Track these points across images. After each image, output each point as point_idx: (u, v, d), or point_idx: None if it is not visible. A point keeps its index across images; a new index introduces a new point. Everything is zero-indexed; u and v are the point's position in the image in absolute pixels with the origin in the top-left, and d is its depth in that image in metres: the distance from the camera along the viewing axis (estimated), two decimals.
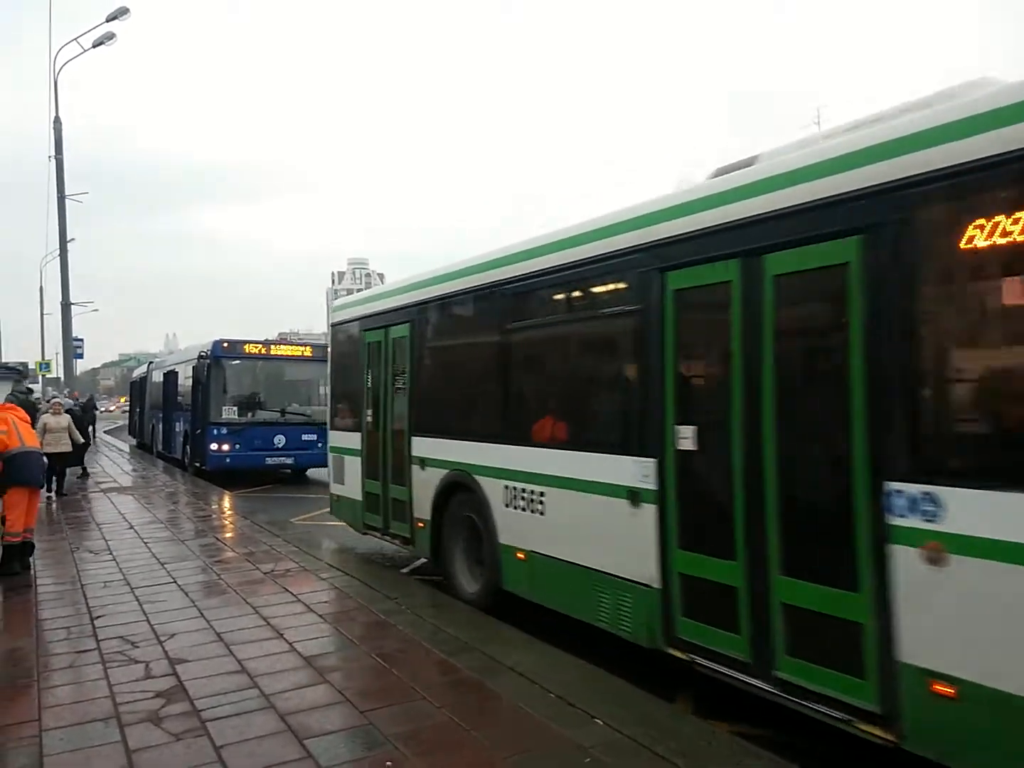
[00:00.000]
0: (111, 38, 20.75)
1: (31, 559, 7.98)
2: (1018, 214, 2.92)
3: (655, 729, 3.95)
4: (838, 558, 3.59)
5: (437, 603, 6.38)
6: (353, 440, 8.70)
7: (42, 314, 42.71)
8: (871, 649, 3.48)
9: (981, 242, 3.02)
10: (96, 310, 42.97)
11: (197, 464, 16.70)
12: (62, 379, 26.01)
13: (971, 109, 3.10)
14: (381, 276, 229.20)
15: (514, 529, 5.96)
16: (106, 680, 4.73)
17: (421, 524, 7.33)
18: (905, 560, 3.32)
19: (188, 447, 17.73)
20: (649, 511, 4.66)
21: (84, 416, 21.97)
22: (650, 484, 4.65)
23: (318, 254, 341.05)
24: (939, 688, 3.19)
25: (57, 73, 21.17)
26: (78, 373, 29.91)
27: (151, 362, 26.91)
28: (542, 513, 5.61)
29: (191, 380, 17.45)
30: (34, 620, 6.06)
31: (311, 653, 5.14)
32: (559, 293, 5.65)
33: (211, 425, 15.93)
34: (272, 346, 17.22)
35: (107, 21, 20.72)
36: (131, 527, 10.27)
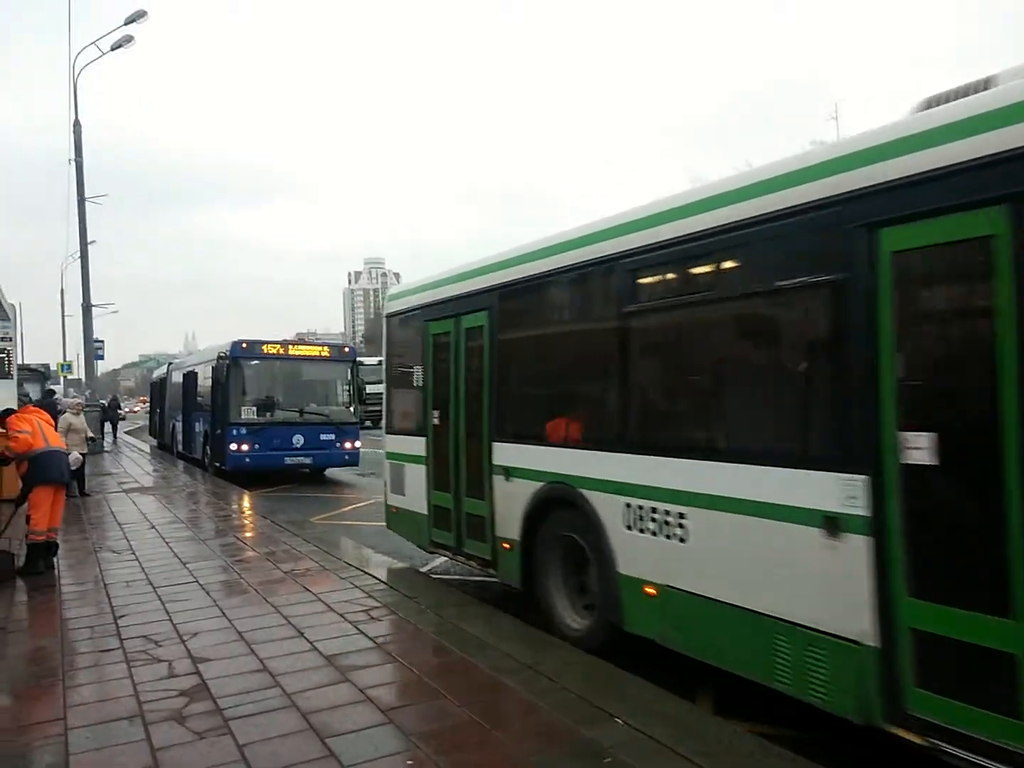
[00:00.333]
0: (129, 41, 20.99)
1: (55, 559, 8.11)
2: None
3: (676, 728, 3.95)
4: None
5: (457, 602, 6.41)
6: (415, 445, 7.73)
7: (63, 316, 43.30)
8: None
9: None
10: (116, 311, 43.45)
11: (217, 464, 16.87)
12: (83, 380, 26.37)
13: None
14: (397, 275, 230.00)
15: (641, 557, 4.92)
16: (130, 679, 4.80)
17: (507, 545, 6.35)
18: None
19: (208, 447, 17.92)
20: (857, 544, 3.64)
21: (107, 415, 22.18)
22: (858, 509, 3.64)
23: (334, 255, 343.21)
24: None
25: (76, 76, 21.45)
26: (99, 374, 30.21)
27: (170, 363, 27.19)
28: (682, 540, 4.59)
29: (210, 380, 17.62)
30: (58, 619, 6.16)
31: (332, 652, 5.18)
32: (713, 263, 4.56)
33: (230, 425, 16.09)
34: (290, 346, 17.37)
35: (125, 24, 20.98)
36: (153, 527, 10.40)
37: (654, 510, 4.80)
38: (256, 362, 16.88)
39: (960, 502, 3.42)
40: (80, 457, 10.85)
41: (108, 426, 33.83)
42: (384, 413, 8.61)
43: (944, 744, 3.37)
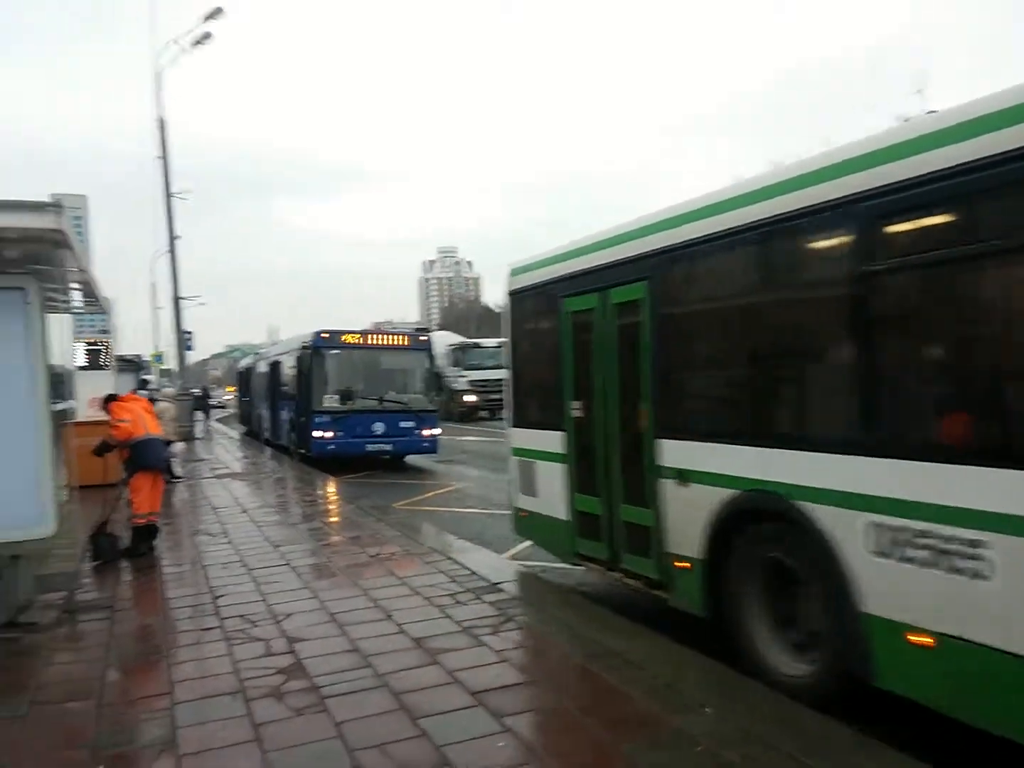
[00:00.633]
0: (207, 37, 21.69)
1: (156, 541, 8.52)
2: None
3: (766, 719, 3.90)
4: None
5: (541, 588, 6.44)
6: (551, 441, 6.71)
7: (154, 308, 45.22)
8: None
9: None
10: (204, 303, 44.91)
11: (302, 451, 17.38)
12: (174, 370, 27.49)
13: None
14: (470, 263, 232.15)
15: (903, 595, 3.81)
16: (229, 657, 5.01)
17: (684, 564, 5.24)
18: None
19: (293, 434, 18.46)
20: None
21: (198, 404, 22.92)
22: None
23: (409, 243, 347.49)
24: None
25: (159, 74, 22.26)
26: (190, 363, 31.56)
27: (257, 353, 28.21)
28: (980, 576, 3.47)
29: (294, 370, 18.15)
30: (161, 599, 6.47)
31: (419, 635, 5.29)
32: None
33: (314, 413, 16.53)
34: (370, 335, 17.73)
35: (204, 21, 21.67)
36: (244, 511, 10.80)
37: (926, 534, 3.67)
38: (337, 351, 17.27)
39: None
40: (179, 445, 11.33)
41: (199, 414, 35.36)
42: (508, 404, 7.56)
43: None
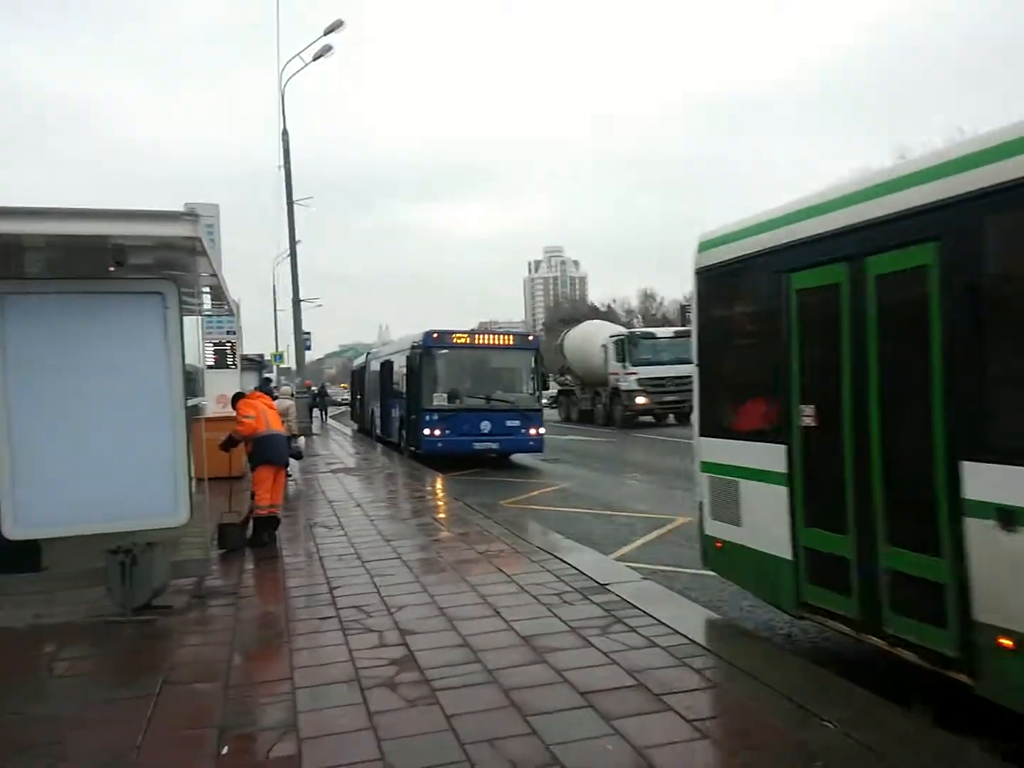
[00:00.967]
0: (329, 50, 22.50)
1: (278, 533, 8.90)
2: None
3: (891, 736, 3.69)
4: None
5: (650, 591, 6.34)
6: (764, 455, 5.32)
7: (275, 309, 47.26)
8: None
9: None
10: (320, 305, 46.64)
11: (412, 448, 17.79)
12: (293, 369, 28.70)
13: None
14: (576, 263, 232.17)
15: None
16: (345, 646, 5.17)
17: (1009, 642, 3.74)
18: None
19: (403, 432, 18.93)
20: None
21: (317, 402, 23.67)
22: None
23: (513, 245, 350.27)
24: None
25: (283, 87, 23.28)
26: (307, 362, 32.93)
27: (369, 352, 29.01)
28: None
29: (405, 369, 18.61)
30: (282, 588, 6.75)
31: (528, 633, 5.30)
32: None
33: (424, 411, 16.88)
34: (478, 335, 18.02)
35: (324, 35, 22.49)
36: (358, 505, 11.14)
37: None
38: (446, 351, 17.58)
39: None
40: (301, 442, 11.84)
41: (316, 411, 36.77)
42: (697, 406, 6.26)
43: None
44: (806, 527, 5.03)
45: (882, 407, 4.49)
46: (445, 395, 17.07)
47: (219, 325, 15.90)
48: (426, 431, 16.80)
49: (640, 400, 26.08)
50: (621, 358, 26.64)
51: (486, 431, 16.92)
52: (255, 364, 24.47)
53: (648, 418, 27.45)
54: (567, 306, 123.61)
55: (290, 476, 14.45)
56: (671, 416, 27.62)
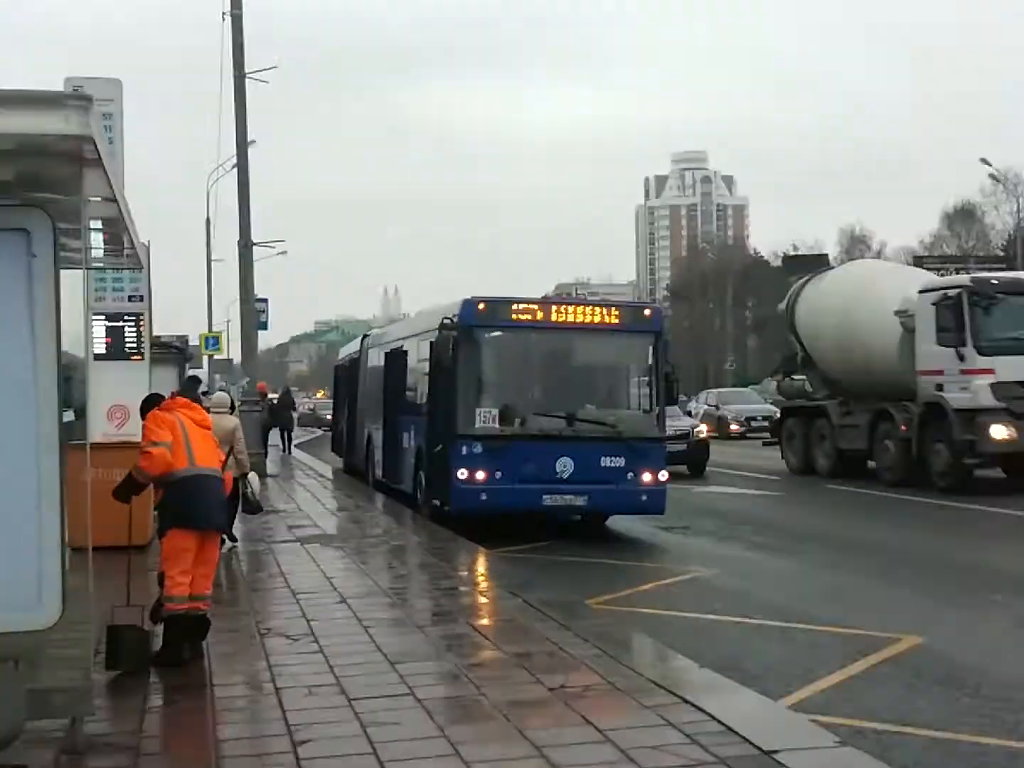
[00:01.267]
0: None
1: (205, 643, 9.02)
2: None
3: None
4: None
5: None
6: None
7: (209, 260, 48.02)
8: None
9: None
10: (284, 252, 46.79)
11: (436, 501, 17.90)
12: (237, 362, 29.21)
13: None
14: (728, 180, 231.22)
15: None
16: None
17: None
18: None
19: (422, 473, 19.06)
20: None
21: (275, 419, 24.10)
22: None
23: (614, 156, 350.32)
24: None
25: None
26: (259, 351, 33.34)
27: (366, 336, 29.26)
28: None
29: (427, 365, 18.77)
30: (212, 741, 6.81)
31: None
32: None
33: (458, 439, 16.92)
34: (554, 307, 17.96)
35: None
36: (342, 600, 11.24)
37: None
38: (500, 334, 17.74)
39: None
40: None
41: (275, 434, 37.12)
42: None
43: None
44: None
45: None
46: (495, 411, 17.12)
47: (117, 287, 16.19)
48: (461, 473, 16.87)
49: (1001, 431, 21.38)
50: (955, 338, 22.06)
51: (565, 475, 16.90)
52: (174, 353, 24.86)
53: (991, 470, 23.53)
54: (712, 256, 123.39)
55: (234, 546, 14.69)
56: None
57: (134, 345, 16.19)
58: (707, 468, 29.59)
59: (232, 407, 16.39)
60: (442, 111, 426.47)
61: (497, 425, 17.04)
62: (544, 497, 16.92)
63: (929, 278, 26.37)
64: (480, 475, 16.83)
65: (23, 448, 5.98)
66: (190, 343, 34.59)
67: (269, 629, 9.92)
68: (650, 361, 17.83)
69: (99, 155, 5.74)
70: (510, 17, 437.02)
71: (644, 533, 18.03)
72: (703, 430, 30.79)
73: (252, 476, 14.51)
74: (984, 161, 62.89)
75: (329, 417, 45.16)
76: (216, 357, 42.49)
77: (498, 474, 16.82)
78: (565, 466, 16.90)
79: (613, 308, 18.55)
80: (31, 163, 5.98)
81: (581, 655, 8.81)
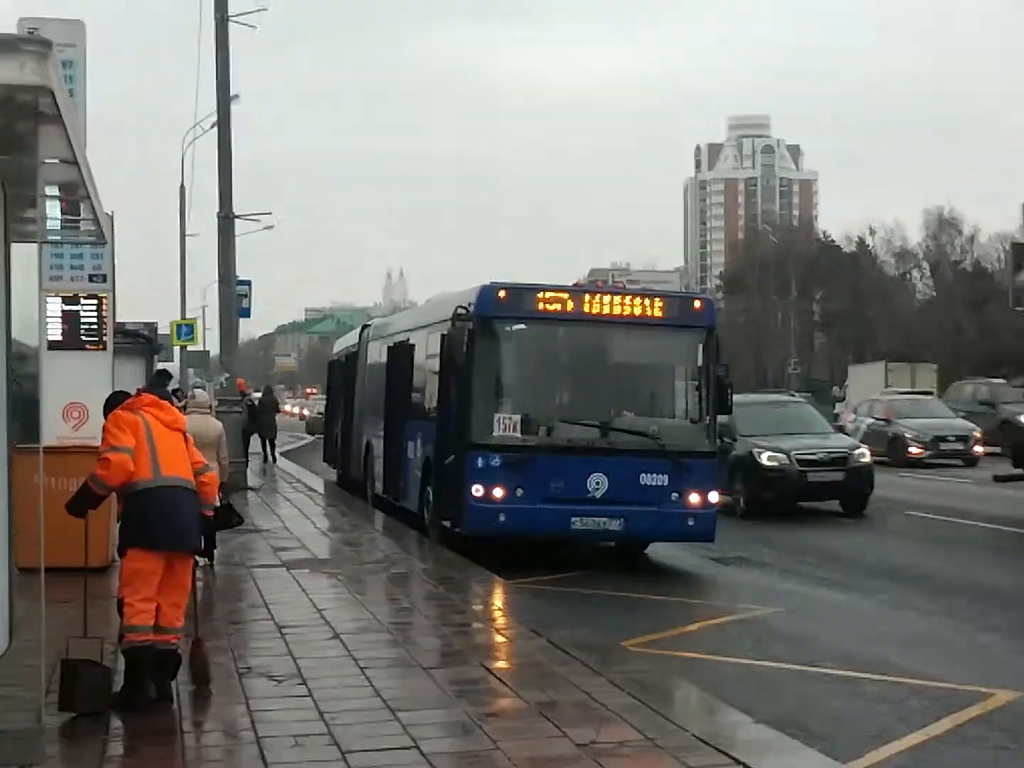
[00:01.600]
0: None
1: (174, 683, 9.03)
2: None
3: None
4: None
5: None
6: None
7: (183, 235, 48.05)
8: None
9: None
10: (271, 227, 46.46)
11: (446, 523, 17.90)
12: (215, 355, 29.24)
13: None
14: (794, 150, 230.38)
15: None
16: None
17: None
18: None
19: (430, 488, 19.08)
20: None
21: (256, 423, 23.96)
22: None
23: (661, 114, 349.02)
24: None
25: None
26: (241, 343, 33.35)
27: (366, 326, 29.39)
28: None
29: (437, 362, 18.77)
30: None
31: None
32: None
33: (474, 450, 16.95)
34: (588, 298, 17.89)
35: None
36: (335, 636, 11.22)
37: None
38: (523, 326, 17.76)
39: None
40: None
41: (256, 440, 37.02)
42: None
43: None
44: None
45: None
46: (517, 417, 17.12)
47: (76, 264, 16.20)
48: (476, 489, 16.88)
49: None
50: None
51: (599, 494, 16.92)
52: (141, 343, 24.93)
53: None
54: (773, 240, 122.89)
55: (211, 565, 14.69)
56: None
57: (94, 332, 16.10)
58: (869, 503, 25.65)
59: (210, 408, 16.43)
60: (462, 63, 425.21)
61: (519, 434, 17.06)
62: (573, 520, 16.92)
63: None
64: (498, 492, 16.87)
65: None
66: (159, 332, 34.47)
67: (249, 668, 9.89)
68: (700, 361, 17.85)
69: (59, 110, 5.72)
70: None
71: (690, 564, 18.04)
72: (865, 453, 26.85)
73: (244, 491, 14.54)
74: None
75: (305, 414, 45.39)
76: (190, 348, 42.53)
77: (519, 492, 16.87)
78: (598, 484, 16.92)
79: (657, 298, 18.41)
80: None
81: (615, 705, 8.77)
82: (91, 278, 16.24)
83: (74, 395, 14.71)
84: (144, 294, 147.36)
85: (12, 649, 6.23)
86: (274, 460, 38.35)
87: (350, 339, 31.63)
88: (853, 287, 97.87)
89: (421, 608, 13.29)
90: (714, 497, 17.32)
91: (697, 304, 18.60)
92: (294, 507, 24.52)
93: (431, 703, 8.88)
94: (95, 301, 16.13)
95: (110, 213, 12.64)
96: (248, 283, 31.21)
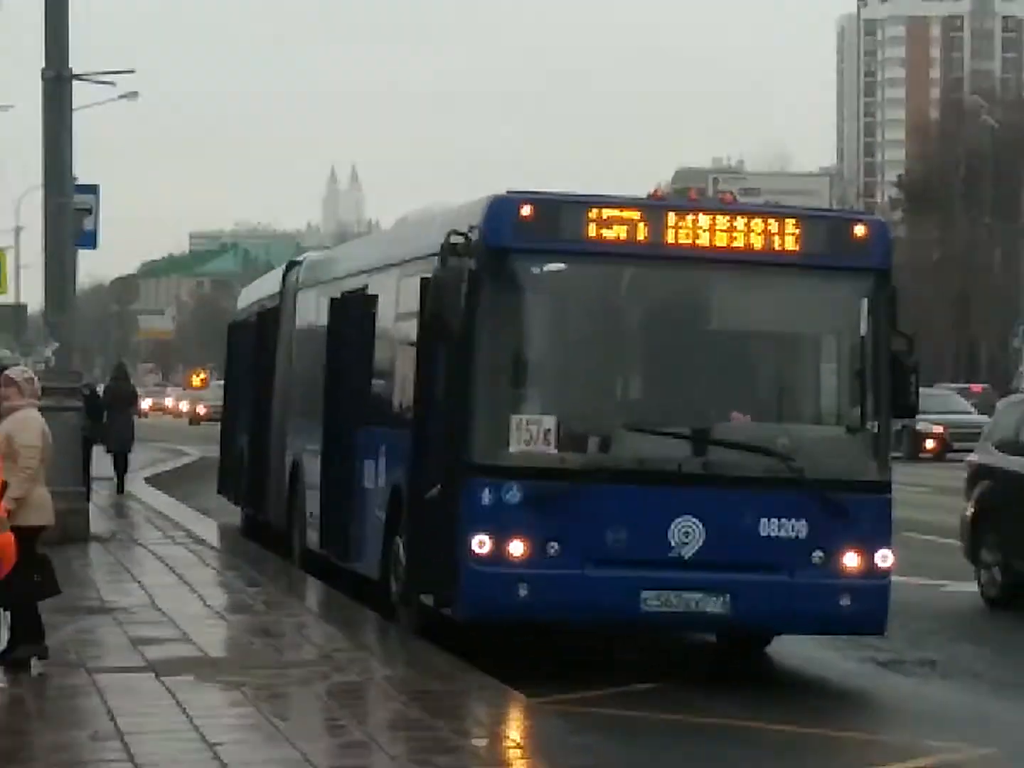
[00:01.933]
0: None
1: None
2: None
3: None
4: None
5: None
6: None
7: None
8: None
9: None
10: (133, 95, 47.25)
11: (427, 598, 18.03)
12: (36, 310, 29.05)
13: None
14: None
15: None
16: None
17: None
18: None
19: (400, 542, 19.21)
20: None
21: (99, 427, 24.05)
22: None
23: None
24: None
25: None
26: (81, 291, 33.40)
27: (293, 263, 29.88)
28: None
29: (414, 327, 18.89)
30: None
31: None
32: None
33: (477, 475, 17.03)
34: (673, 216, 17.84)
35: None
36: None
37: None
38: (564, 267, 18.01)
39: None
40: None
41: (108, 460, 37.21)
42: None
43: None
44: None
45: None
46: (549, 421, 17.14)
47: None
48: (480, 542, 16.95)
49: None
50: None
51: (689, 552, 17.01)
52: None
53: None
54: (990, 121, 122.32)
55: (21, 666, 14.74)
56: None
57: None
58: None
59: (38, 397, 16.57)
60: None
61: (553, 449, 17.11)
62: (645, 596, 17.01)
63: None
64: (517, 548, 16.93)
65: None
66: None
67: None
68: (863, 329, 17.94)
69: None
70: None
71: (842, 672, 18.18)
72: None
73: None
74: None
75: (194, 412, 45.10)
76: None
77: (553, 548, 16.91)
78: (688, 535, 16.98)
79: (790, 221, 18.39)
80: None
81: None
82: None
83: None
84: None
85: None
86: (120, 489, 38.51)
87: (266, 286, 31.98)
88: None
89: (384, 744, 13.05)
90: (885, 559, 17.32)
91: (859, 231, 18.40)
92: (169, 571, 24.62)
93: None
94: None
95: None
96: (94, 190, 31.29)
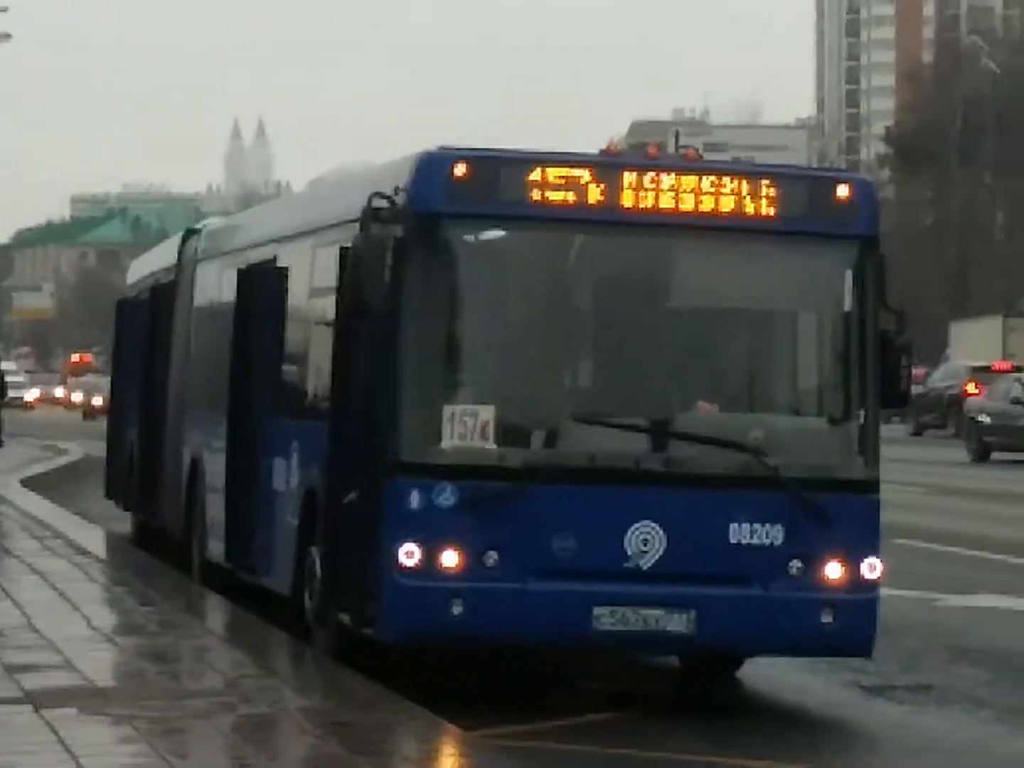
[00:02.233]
0: None
1: None
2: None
3: None
4: None
5: None
6: None
7: None
8: None
9: None
10: (6, 37, 47.91)
11: (345, 616, 18.04)
12: None
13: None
14: None
15: None
16: None
17: None
18: None
19: (315, 553, 19.23)
20: None
21: None
22: None
23: None
24: None
25: None
26: None
27: (191, 231, 29.74)
28: None
29: (332, 302, 18.83)
30: None
31: None
32: None
33: (404, 475, 17.06)
34: (629, 176, 17.86)
35: None
36: None
37: None
38: (504, 233, 18.02)
39: None
40: None
41: None
42: None
43: None
44: None
45: None
46: (487, 412, 17.16)
47: None
48: (407, 552, 16.96)
49: None
50: None
51: (647, 561, 17.04)
52: None
53: None
54: (990, 64, 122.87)
55: None
56: None
57: None
58: None
59: None
60: None
61: (492, 445, 17.15)
62: (597, 612, 17.05)
63: None
64: (450, 559, 16.96)
65: None
66: None
67: None
68: (846, 305, 18.00)
69: None
70: None
71: (824, 700, 18.29)
72: None
73: None
74: None
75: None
76: None
77: (492, 557, 16.94)
78: (647, 543, 17.04)
79: (763, 181, 18.45)
80: None
81: None
82: None
83: None
84: None
85: None
86: None
87: (160, 258, 31.99)
88: None
89: None
90: (873, 569, 17.39)
91: (842, 191, 18.42)
92: (48, 586, 24.56)
93: None
94: None
95: None
96: None
